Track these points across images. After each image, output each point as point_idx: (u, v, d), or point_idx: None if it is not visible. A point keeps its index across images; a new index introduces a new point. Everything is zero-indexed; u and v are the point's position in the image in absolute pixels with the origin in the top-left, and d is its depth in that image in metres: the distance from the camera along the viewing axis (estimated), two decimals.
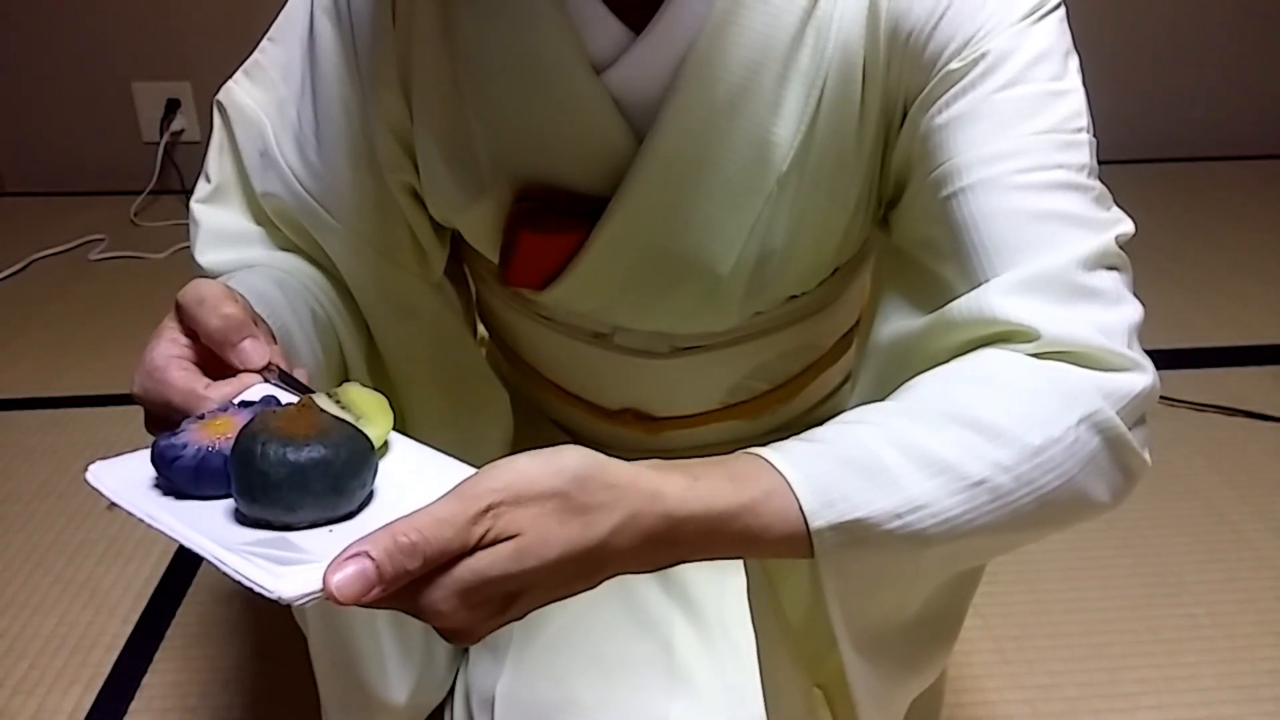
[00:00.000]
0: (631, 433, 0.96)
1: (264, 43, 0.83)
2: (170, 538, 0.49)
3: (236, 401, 0.57)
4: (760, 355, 0.90)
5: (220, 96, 0.83)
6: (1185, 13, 2.54)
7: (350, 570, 0.43)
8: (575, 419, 0.99)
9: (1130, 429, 0.60)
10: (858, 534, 0.54)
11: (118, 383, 1.69)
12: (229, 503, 0.51)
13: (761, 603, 0.69)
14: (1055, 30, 0.69)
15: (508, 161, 0.76)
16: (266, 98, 0.82)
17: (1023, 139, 0.66)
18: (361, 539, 0.44)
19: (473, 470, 0.49)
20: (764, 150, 0.72)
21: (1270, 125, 2.68)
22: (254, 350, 0.59)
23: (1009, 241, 0.64)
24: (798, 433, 1.06)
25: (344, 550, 0.43)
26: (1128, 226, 0.67)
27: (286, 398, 0.57)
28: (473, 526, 0.45)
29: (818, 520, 0.53)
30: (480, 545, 0.45)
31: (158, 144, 2.47)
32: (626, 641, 0.86)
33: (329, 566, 0.43)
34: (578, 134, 0.74)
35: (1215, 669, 1.12)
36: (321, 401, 0.55)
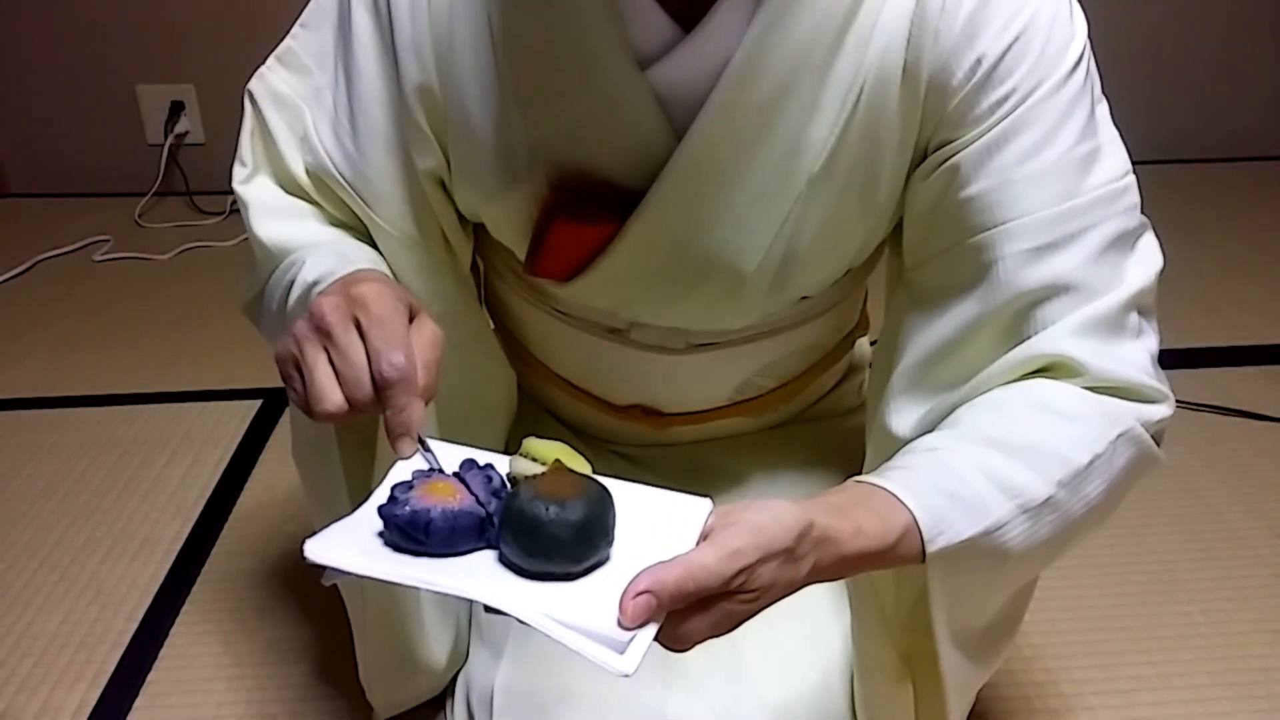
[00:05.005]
0: (639, 428, 0.97)
1: (295, 29, 0.84)
2: (461, 598, 0.56)
3: (432, 469, 0.63)
4: (770, 353, 0.92)
5: (251, 85, 0.85)
6: (1183, 14, 2.55)
7: (640, 603, 0.53)
8: (582, 415, 1.00)
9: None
10: (958, 553, 0.65)
11: (122, 382, 1.69)
12: (489, 557, 0.58)
13: (864, 595, 0.81)
14: (1092, 77, 0.74)
15: (546, 150, 0.77)
16: (302, 84, 0.83)
17: (1085, 196, 0.71)
18: (644, 575, 0.54)
19: (667, 492, 0.62)
20: (797, 151, 0.73)
21: (1269, 126, 2.68)
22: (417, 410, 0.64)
23: (1068, 290, 0.70)
24: (793, 430, 1.07)
25: (634, 584, 0.54)
26: (1160, 261, 0.74)
27: (482, 456, 0.64)
28: (733, 580, 0.56)
29: (932, 547, 0.64)
30: (733, 591, 0.56)
31: (162, 146, 2.47)
32: None
33: (623, 594, 0.54)
34: (618, 127, 0.75)
35: (1210, 666, 1.12)
36: (520, 465, 0.63)
